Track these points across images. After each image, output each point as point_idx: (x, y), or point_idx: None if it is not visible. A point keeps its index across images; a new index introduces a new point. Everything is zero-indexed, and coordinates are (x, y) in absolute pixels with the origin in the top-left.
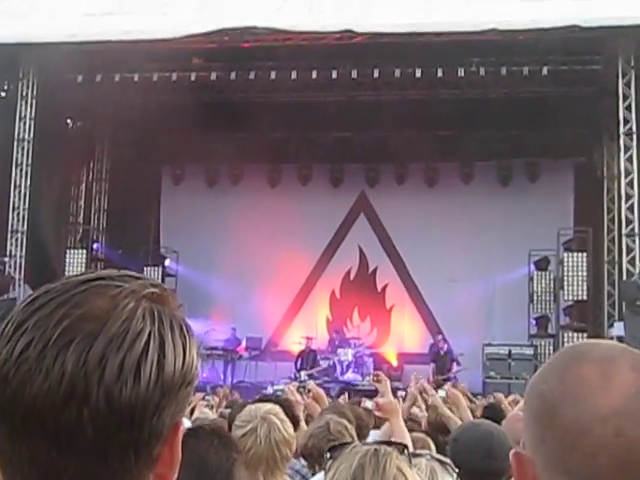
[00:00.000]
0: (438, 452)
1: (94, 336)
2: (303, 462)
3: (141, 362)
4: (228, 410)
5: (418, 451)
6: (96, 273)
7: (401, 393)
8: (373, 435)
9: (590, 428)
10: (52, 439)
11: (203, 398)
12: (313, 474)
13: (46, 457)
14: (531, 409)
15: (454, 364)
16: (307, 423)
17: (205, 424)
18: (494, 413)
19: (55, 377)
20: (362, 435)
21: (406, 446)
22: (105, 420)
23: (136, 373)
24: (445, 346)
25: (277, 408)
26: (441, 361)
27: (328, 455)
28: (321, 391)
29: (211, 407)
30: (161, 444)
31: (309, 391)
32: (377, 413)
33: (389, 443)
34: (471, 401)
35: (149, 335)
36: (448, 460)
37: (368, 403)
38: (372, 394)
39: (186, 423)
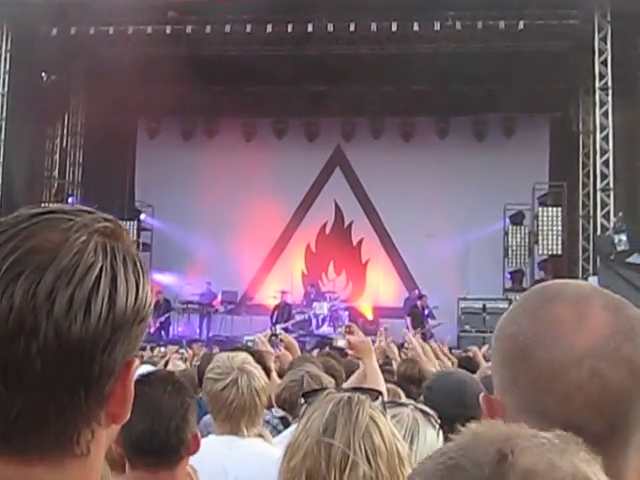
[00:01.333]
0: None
1: (44, 269)
2: (275, 413)
3: (92, 296)
4: None
5: (403, 400)
6: (48, 207)
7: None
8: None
9: (565, 369)
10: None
11: (177, 351)
12: (286, 425)
13: None
14: (501, 351)
15: (429, 318)
16: (280, 374)
17: (158, 371)
18: (469, 365)
19: (3, 310)
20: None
21: (380, 393)
22: (54, 354)
23: (86, 307)
24: (423, 303)
25: (249, 357)
26: (418, 316)
27: (302, 400)
28: (293, 340)
29: (185, 360)
30: (112, 382)
31: (281, 341)
32: (350, 352)
33: (363, 390)
34: (447, 357)
35: (100, 269)
36: (432, 412)
37: (340, 342)
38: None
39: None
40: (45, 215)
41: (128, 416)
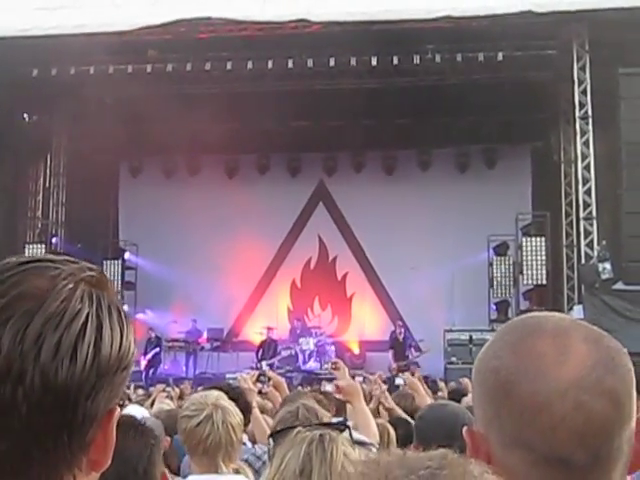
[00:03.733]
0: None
1: (32, 315)
2: (257, 449)
3: (78, 343)
4: None
5: (365, 440)
6: (36, 256)
7: (359, 379)
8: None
9: (549, 402)
10: None
11: (164, 390)
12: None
13: None
14: (484, 385)
15: (412, 350)
16: (270, 413)
17: (121, 416)
18: (458, 397)
19: None
20: None
21: (346, 425)
22: (40, 399)
23: (73, 354)
24: (402, 331)
25: (222, 394)
26: (399, 347)
27: (271, 441)
28: (281, 379)
29: (171, 398)
30: (95, 428)
31: (269, 379)
32: (338, 396)
33: (330, 425)
34: (430, 388)
35: (87, 316)
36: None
37: (328, 387)
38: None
39: (145, 413)
40: (33, 263)
41: (108, 464)
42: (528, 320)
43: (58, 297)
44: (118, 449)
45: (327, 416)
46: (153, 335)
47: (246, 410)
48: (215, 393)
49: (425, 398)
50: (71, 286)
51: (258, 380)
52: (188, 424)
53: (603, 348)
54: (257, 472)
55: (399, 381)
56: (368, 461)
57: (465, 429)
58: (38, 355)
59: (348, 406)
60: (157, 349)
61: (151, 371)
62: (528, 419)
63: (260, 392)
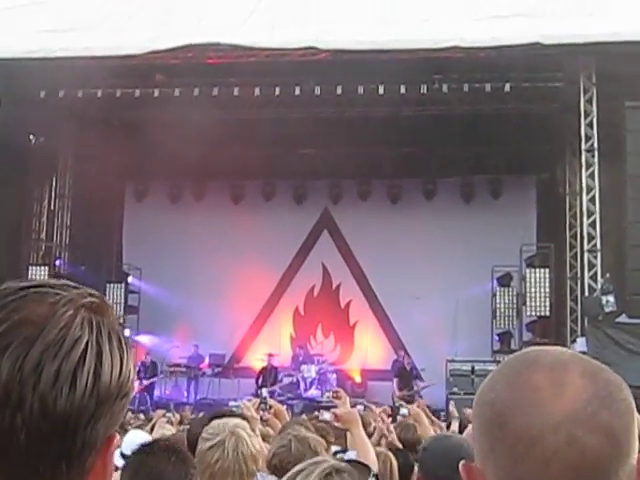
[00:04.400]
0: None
1: (31, 341)
2: (259, 477)
3: (77, 370)
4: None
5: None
6: (35, 281)
7: (360, 407)
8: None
9: (542, 436)
10: None
11: (164, 415)
12: None
13: None
14: (479, 418)
15: (417, 381)
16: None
17: (161, 440)
18: (461, 429)
19: None
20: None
21: (369, 469)
22: (38, 427)
23: (72, 381)
24: (409, 361)
25: (245, 423)
26: (406, 377)
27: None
28: (282, 407)
29: (172, 423)
30: (94, 456)
31: (270, 407)
32: (336, 424)
33: (353, 462)
34: (432, 420)
35: (87, 344)
36: None
37: (326, 415)
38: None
39: (146, 438)
40: (33, 289)
41: None
42: (527, 354)
43: (57, 324)
44: (157, 473)
45: (321, 443)
46: (149, 360)
47: None
48: (236, 421)
49: (429, 429)
50: (71, 313)
51: (259, 408)
52: (202, 446)
53: (601, 382)
54: None
55: (404, 411)
56: None
57: (462, 464)
58: (37, 383)
59: (347, 434)
60: (155, 379)
61: (147, 396)
62: (521, 453)
63: (261, 419)
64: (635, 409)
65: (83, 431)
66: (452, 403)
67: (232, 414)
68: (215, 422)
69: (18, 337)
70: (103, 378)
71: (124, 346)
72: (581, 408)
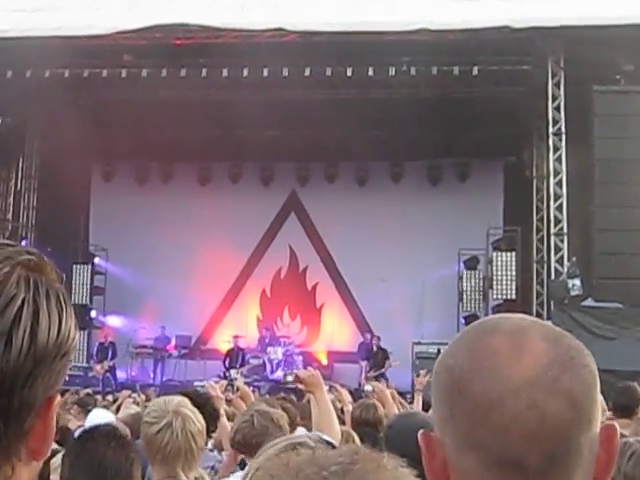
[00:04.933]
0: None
1: None
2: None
3: (13, 329)
4: None
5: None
6: None
7: (326, 388)
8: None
9: (501, 400)
10: None
11: (129, 396)
12: (242, 467)
13: None
14: (439, 385)
15: (388, 361)
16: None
17: (101, 425)
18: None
19: None
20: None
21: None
22: None
23: (7, 340)
24: (376, 343)
25: (185, 400)
26: (375, 358)
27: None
28: (248, 390)
29: (137, 404)
30: (33, 416)
31: (237, 389)
32: (300, 386)
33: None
34: (401, 403)
35: (22, 302)
36: None
37: (289, 377)
38: (302, 392)
39: (111, 418)
40: None
41: (49, 453)
42: (487, 321)
43: None
44: (97, 459)
45: (284, 418)
46: (108, 341)
47: (213, 417)
48: (177, 399)
49: (393, 407)
50: (6, 270)
51: (226, 390)
52: (148, 430)
53: (562, 347)
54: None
55: (368, 388)
56: (276, 462)
57: (420, 432)
58: None
59: (312, 403)
60: (114, 360)
61: (111, 379)
62: (480, 418)
63: (227, 400)
64: (597, 377)
65: (20, 391)
66: (423, 372)
67: (196, 394)
68: (156, 402)
69: None
70: (40, 337)
71: (63, 304)
72: (542, 373)
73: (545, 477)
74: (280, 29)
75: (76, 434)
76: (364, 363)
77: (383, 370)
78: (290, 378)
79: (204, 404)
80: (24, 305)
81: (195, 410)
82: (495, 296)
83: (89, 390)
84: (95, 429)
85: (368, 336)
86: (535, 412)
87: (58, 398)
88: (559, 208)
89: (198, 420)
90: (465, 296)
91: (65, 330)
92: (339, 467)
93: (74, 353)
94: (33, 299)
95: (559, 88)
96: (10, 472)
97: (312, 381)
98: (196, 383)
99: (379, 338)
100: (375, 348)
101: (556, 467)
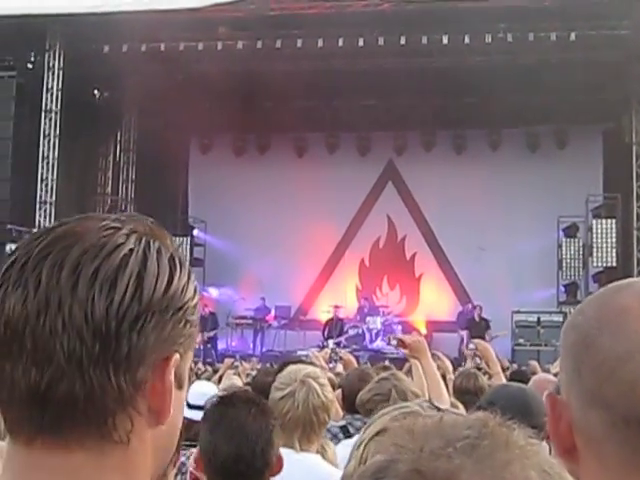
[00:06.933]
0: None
1: (70, 247)
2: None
3: (119, 272)
4: None
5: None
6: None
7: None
8: None
9: (629, 357)
10: (29, 351)
11: (232, 365)
12: (346, 434)
13: (23, 370)
14: (566, 343)
15: (489, 330)
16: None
17: (240, 391)
18: (521, 379)
19: (31, 288)
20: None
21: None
22: (79, 329)
23: (112, 283)
24: (478, 312)
25: (318, 371)
26: (476, 327)
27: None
28: (353, 359)
29: (239, 375)
30: (146, 369)
31: (341, 358)
32: (404, 351)
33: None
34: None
35: (130, 250)
36: None
37: (393, 341)
38: (402, 362)
39: (214, 390)
40: (89, 215)
41: (170, 415)
42: (620, 282)
43: (99, 233)
44: (238, 425)
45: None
46: (207, 312)
47: None
48: (309, 369)
49: (496, 365)
50: (117, 225)
51: (329, 358)
52: (274, 395)
53: None
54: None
55: (471, 346)
56: (399, 429)
57: (546, 393)
58: (76, 285)
59: (413, 367)
60: (215, 331)
61: (212, 350)
62: (607, 374)
63: (330, 370)
64: None
65: (128, 336)
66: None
67: (302, 364)
68: (287, 370)
69: (60, 244)
70: (146, 284)
71: (177, 263)
72: None
73: None
74: None
75: (213, 400)
76: (464, 332)
77: (487, 340)
78: (394, 342)
79: None
80: (132, 253)
81: (325, 383)
82: (595, 264)
83: None
84: (235, 395)
85: (469, 306)
86: None
87: (176, 357)
88: None
89: (324, 394)
90: (565, 264)
91: (178, 285)
92: (466, 443)
93: (195, 315)
94: (143, 251)
95: None
96: (129, 425)
97: (418, 347)
98: (300, 352)
99: (481, 308)
100: (477, 318)
101: None
